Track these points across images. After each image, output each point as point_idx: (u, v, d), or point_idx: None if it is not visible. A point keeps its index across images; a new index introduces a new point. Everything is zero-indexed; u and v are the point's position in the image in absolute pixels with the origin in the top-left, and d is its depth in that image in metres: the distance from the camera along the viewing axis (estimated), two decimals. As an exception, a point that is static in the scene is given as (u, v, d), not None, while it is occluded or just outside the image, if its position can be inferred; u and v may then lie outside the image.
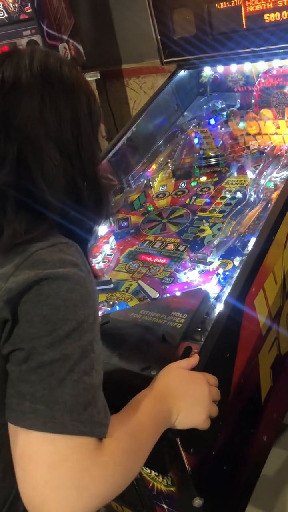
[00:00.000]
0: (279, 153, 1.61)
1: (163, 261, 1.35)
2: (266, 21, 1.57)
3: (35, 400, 0.59)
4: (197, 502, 0.93)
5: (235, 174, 1.63)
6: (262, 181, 1.51)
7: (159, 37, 1.83)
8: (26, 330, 0.61)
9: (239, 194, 1.51)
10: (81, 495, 0.58)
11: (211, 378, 0.87)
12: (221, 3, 1.64)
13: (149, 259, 1.38)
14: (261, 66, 1.75)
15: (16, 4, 2.22)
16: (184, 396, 0.81)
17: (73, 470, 0.58)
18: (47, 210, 0.70)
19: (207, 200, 1.55)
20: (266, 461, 1.35)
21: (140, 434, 0.70)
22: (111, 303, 1.24)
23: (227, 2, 1.63)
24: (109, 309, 1.21)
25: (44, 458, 0.58)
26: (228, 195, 1.53)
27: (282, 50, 1.60)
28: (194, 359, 0.88)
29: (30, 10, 2.19)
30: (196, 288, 1.16)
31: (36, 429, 0.58)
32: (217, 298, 1.10)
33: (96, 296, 0.70)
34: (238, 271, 1.11)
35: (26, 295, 0.61)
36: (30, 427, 0.58)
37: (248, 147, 1.69)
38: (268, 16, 1.55)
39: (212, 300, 1.11)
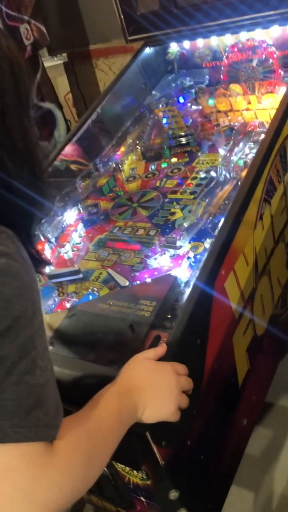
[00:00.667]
0: (250, 129, 1.57)
1: (134, 247, 1.30)
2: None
3: None
4: (173, 494, 0.90)
5: (206, 153, 1.58)
6: (233, 158, 1.47)
7: (122, 14, 1.76)
8: None
9: (210, 174, 1.47)
10: (34, 506, 0.54)
11: (180, 367, 0.83)
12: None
13: (120, 246, 1.33)
14: (228, 40, 1.69)
15: (-29, -16, 2.12)
16: (150, 388, 0.77)
17: (21, 481, 0.54)
18: None
19: (178, 181, 1.51)
20: (250, 441, 1.33)
21: (101, 433, 0.66)
22: (80, 293, 1.20)
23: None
24: (77, 300, 1.17)
25: None
26: (199, 175, 1.49)
27: (249, 22, 1.55)
28: (161, 349, 0.85)
29: (-13, -10, 2.10)
30: (165, 274, 1.12)
31: None
32: (187, 283, 1.07)
33: (35, 286, 0.64)
34: (207, 251, 1.07)
35: None
36: None
37: (218, 124, 1.64)
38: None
39: (182, 285, 1.07)
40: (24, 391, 0.56)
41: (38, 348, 0.59)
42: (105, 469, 0.96)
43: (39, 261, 0.76)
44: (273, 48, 1.61)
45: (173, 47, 1.83)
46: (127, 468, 0.95)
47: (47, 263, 0.80)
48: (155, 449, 0.84)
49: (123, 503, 1.08)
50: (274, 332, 1.33)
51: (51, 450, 0.58)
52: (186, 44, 1.79)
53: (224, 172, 1.43)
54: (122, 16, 1.76)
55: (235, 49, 1.69)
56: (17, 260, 0.60)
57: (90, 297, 1.17)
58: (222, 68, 1.74)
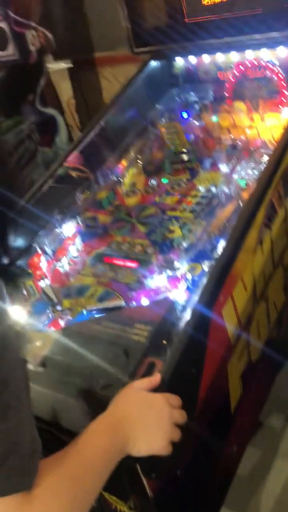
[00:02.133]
0: (252, 147, 1.56)
1: (131, 264, 1.29)
2: (239, 11, 1.51)
3: None
4: (161, 525, 0.88)
5: (208, 170, 1.57)
6: (235, 177, 1.46)
7: (129, 25, 1.75)
8: None
9: (210, 192, 1.45)
10: None
11: (174, 399, 0.82)
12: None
13: (117, 262, 1.32)
14: (234, 57, 1.68)
15: (-21, -12, 2.11)
16: (142, 422, 0.75)
17: None
18: None
19: (178, 197, 1.50)
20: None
21: (86, 474, 0.64)
22: (74, 310, 1.18)
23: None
24: (72, 318, 1.15)
25: None
26: (200, 193, 1.47)
27: (255, 41, 1.54)
28: (155, 379, 0.83)
29: (-5, -5, 2.08)
30: (162, 297, 1.10)
31: None
32: (184, 308, 1.05)
33: (4, 317, 0.60)
34: (206, 277, 1.06)
35: None
36: None
37: (220, 141, 1.63)
38: (241, 7, 1.49)
39: (179, 309, 1.06)
40: None
41: (11, 385, 0.57)
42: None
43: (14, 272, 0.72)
44: (279, 68, 1.60)
45: (179, 62, 1.82)
46: (114, 497, 0.94)
47: (23, 270, 0.74)
48: (144, 481, 0.82)
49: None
50: (268, 356, 1.31)
51: (29, 499, 0.55)
52: (192, 59, 1.78)
53: (225, 190, 1.42)
54: (130, 27, 1.75)
55: (241, 67, 1.68)
56: None
57: (84, 312, 1.16)
58: (227, 84, 1.73)
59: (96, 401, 0.86)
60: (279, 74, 1.61)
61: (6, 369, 0.57)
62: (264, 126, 1.60)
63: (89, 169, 1.64)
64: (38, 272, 1.33)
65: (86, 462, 0.65)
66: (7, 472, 0.54)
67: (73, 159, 1.61)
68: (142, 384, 0.82)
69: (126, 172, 1.67)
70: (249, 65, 1.66)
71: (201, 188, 1.49)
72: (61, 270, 1.35)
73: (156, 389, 0.83)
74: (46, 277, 1.31)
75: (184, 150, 1.62)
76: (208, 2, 1.56)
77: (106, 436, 0.70)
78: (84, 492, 0.63)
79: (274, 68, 1.60)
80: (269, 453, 1.68)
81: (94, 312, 1.14)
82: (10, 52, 2.18)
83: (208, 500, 1.11)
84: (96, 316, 1.11)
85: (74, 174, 1.62)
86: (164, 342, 0.96)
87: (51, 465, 0.60)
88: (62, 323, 1.15)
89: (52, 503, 0.57)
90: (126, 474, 0.81)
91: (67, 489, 0.60)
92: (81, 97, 2.89)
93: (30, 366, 0.96)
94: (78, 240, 1.43)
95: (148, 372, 0.89)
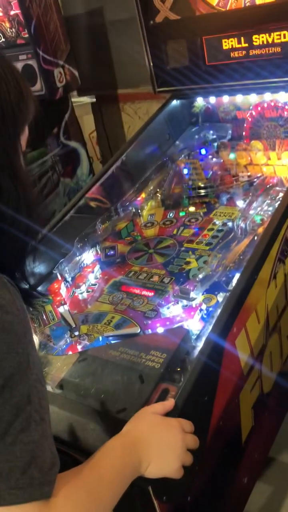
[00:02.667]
0: (269, 184, 1.61)
1: (147, 293, 1.33)
2: (257, 55, 1.58)
3: None
4: None
5: (224, 205, 1.63)
6: (251, 213, 1.51)
7: (152, 67, 1.84)
8: None
9: (227, 226, 1.50)
10: None
11: (187, 424, 0.84)
12: (215, 36, 1.66)
13: (134, 290, 1.36)
14: (253, 98, 1.76)
15: (13, 29, 2.24)
16: (155, 444, 0.78)
17: None
18: None
19: (195, 230, 1.55)
20: (250, 496, 1.31)
21: (101, 488, 0.66)
22: (92, 336, 1.22)
23: (220, 36, 1.64)
24: (89, 343, 1.19)
25: None
26: (216, 227, 1.52)
27: (273, 84, 1.61)
28: (169, 404, 0.86)
29: (27, 35, 2.21)
30: (177, 325, 1.14)
31: None
32: (199, 337, 1.08)
33: (29, 336, 0.63)
34: (220, 308, 1.09)
35: None
36: None
37: (238, 178, 1.69)
38: (259, 51, 1.56)
39: (193, 337, 1.09)
40: (19, 451, 0.56)
41: (34, 402, 0.59)
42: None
43: (33, 296, 0.76)
44: (296, 111, 1.67)
45: (199, 101, 1.90)
46: (126, 520, 0.95)
47: (43, 295, 0.79)
48: (156, 504, 0.84)
49: None
50: (280, 389, 1.33)
51: (47, 508, 0.58)
52: (212, 99, 1.86)
53: (241, 224, 1.47)
54: (152, 68, 1.84)
55: (259, 108, 1.76)
56: (11, 312, 0.60)
57: (100, 338, 1.20)
58: (245, 124, 1.80)
59: (111, 424, 0.89)
60: (296, 116, 1.67)
61: (30, 386, 0.60)
62: (280, 163, 1.66)
63: (109, 200, 1.71)
64: (57, 298, 1.38)
65: (101, 477, 0.68)
66: (28, 481, 0.56)
67: (94, 190, 1.68)
68: (156, 408, 0.84)
69: (145, 205, 1.73)
70: (267, 106, 1.73)
71: (218, 222, 1.54)
72: (79, 296, 1.40)
73: (169, 414, 0.86)
74: (65, 303, 1.36)
75: (202, 185, 1.67)
76: (227, 47, 1.64)
77: (120, 454, 0.73)
78: (99, 505, 0.65)
79: (291, 110, 1.67)
80: (280, 489, 1.66)
81: (110, 338, 1.18)
82: (38, 87, 2.30)
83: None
84: (113, 342, 1.15)
85: (93, 204, 1.68)
86: (178, 369, 0.99)
87: (68, 478, 0.63)
88: (79, 347, 1.19)
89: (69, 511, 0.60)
90: (138, 496, 0.83)
91: (83, 500, 0.63)
92: (102, 130, 2.99)
93: (49, 388, 1.00)
94: (97, 268, 1.48)
95: (162, 398, 0.92)
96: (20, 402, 0.58)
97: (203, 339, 1.03)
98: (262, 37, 1.53)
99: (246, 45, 1.59)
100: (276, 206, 1.39)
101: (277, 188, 1.56)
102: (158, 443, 0.79)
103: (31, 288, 0.76)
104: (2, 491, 0.55)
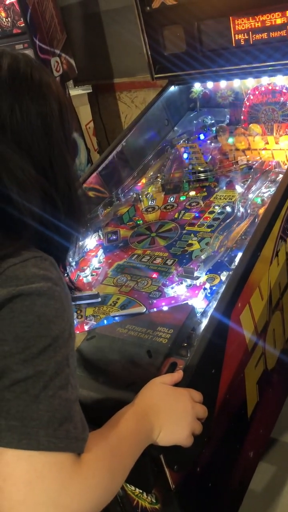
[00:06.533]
0: (267, 168, 1.63)
1: (151, 275, 1.35)
2: (254, 39, 1.59)
3: (10, 418, 0.58)
4: (181, 519, 0.92)
5: (224, 188, 1.64)
6: (250, 196, 1.52)
7: (150, 53, 1.85)
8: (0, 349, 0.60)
9: (227, 209, 1.52)
10: None
11: (196, 394, 0.87)
12: (211, 21, 1.67)
13: (137, 272, 1.37)
14: (250, 82, 1.77)
15: (9, 19, 2.24)
16: (166, 412, 0.80)
17: (50, 488, 0.57)
18: (21, 224, 0.69)
19: (196, 214, 1.56)
20: (254, 476, 1.34)
21: (121, 451, 0.69)
22: (98, 317, 1.24)
23: (217, 20, 1.65)
24: (95, 323, 1.20)
25: (20, 477, 0.57)
26: (217, 210, 1.54)
27: (270, 68, 1.62)
28: (177, 375, 0.88)
29: (23, 24, 2.21)
30: (183, 303, 1.16)
31: (11, 447, 0.57)
32: (204, 313, 1.10)
33: (71, 310, 0.69)
34: (224, 286, 1.11)
35: (0, 313, 0.60)
36: (6, 445, 0.57)
37: (237, 162, 1.70)
38: (256, 35, 1.58)
39: (198, 315, 1.11)
40: (58, 405, 0.60)
41: (71, 367, 0.64)
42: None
43: (71, 288, 0.81)
44: (293, 94, 1.69)
45: (197, 87, 1.91)
46: (137, 491, 0.97)
47: (79, 290, 0.85)
48: (167, 472, 0.86)
49: (129, 527, 1.09)
50: (284, 366, 1.35)
51: (79, 461, 0.61)
52: (210, 84, 1.87)
53: (241, 208, 1.49)
54: (150, 55, 1.85)
55: (257, 92, 1.77)
56: (59, 285, 0.65)
57: (105, 321, 1.21)
58: (243, 109, 1.82)
59: (121, 398, 0.91)
60: (293, 99, 1.69)
61: (69, 353, 0.64)
62: (278, 147, 1.67)
63: (108, 188, 1.72)
64: (62, 281, 1.39)
65: (120, 440, 0.71)
66: (65, 434, 0.60)
67: (92, 180, 1.69)
68: (165, 379, 0.86)
69: (146, 190, 1.75)
70: (264, 90, 1.75)
71: (218, 206, 1.56)
72: (84, 280, 1.41)
73: (177, 385, 0.88)
74: (81, 290, 1.37)
75: (202, 169, 1.69)
76: (224, 31, 1.65)
77: (134, 421, 0.75)
78: (120, 465, 0.69)
79: (288, 93, 1.68)
80: (282, 469, 1.69)
81: (116, 318, 1.20)
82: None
83: (225, 502, 1.14)
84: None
85: (91, 194, 1.70)
86: (185, 344, 1.01)
87: (95, 438, 0.66)
88: (86, 328, 1.20)
89: (98, 468, 0.63)
90: (150, 465, 0.85)
91: (110, 459, 0.66)
92: (99, 121, 3.00)
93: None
94: (100, 252, 1.49)
95: (171, 371, 0.94)
96: (62, 362, 0.62)
97: (209, 314, 1.05)
98: (259, 20, 1.55)
99: (243, 28, 1.60)
100: (275, 188, 1.41)
101: (277, 169, 1.57)
102: (169, 411, 0.81)
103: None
104: (41, 437, 0.58)
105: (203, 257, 1.32)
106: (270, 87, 1.73)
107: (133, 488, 0.99)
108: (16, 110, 0.68)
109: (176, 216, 1.59)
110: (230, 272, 1.20)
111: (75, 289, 0.87)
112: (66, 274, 0.80)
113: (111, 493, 0.66)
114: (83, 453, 0.62)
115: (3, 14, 2.23)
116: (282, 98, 1.73)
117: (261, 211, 1.40)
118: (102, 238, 1.57)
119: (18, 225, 0.68)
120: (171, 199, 1.68)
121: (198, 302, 1.17)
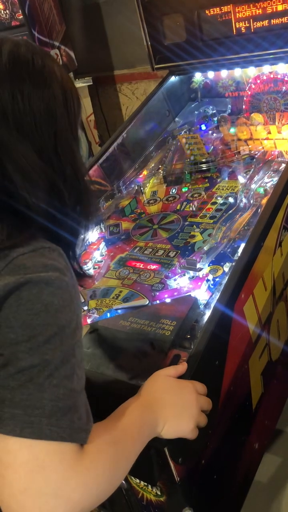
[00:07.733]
0: (269, 158, 1.61)
1: (154, 267, 1.34)
2: (255, 27, 1.57)
3: (13, 406, 0.58)
4: (186, 512, 0.92)
5: (226, 179, 1.63)
6: (253, 186, 1.51)
7: (150, 43, 1.83)
8: (6, 336, 0.59)
9: (229, 200, 1.51)
10: (60, 503, 0.57)
11: (200, 386, 0.86)
12: (211, 10, 1.65)
13: (140, 265, 1.37)
14: (251, 71, 1.75)
15: (7, 11, 2.22)
16: (171, 404, 0.80)
17: (52, 477, 0.56)
18: (29, 214, 0.68)
19: (198, 205, 1.55)
20: (259, 467, 1.34)
21: (124, 443, 0.69)
22: (100, 310, 1.23)
23: (217, 9, 1.63)
24: (98, 316, 1.20)
25: (21, 465, 0.56)
26: (219, 201, 1.53)
27: (272, 56, 1.60)
28: (181, 367, 0.87)
29: (22, 16, 2.19)
30: (186, 294, 1.15)
31: (13, 435, 0.57)
32: (207, 305, 1.09)
33: (79, 301, 0.68)
34: (227, 277, 1.10)
35: (7, 300, 0.60)
36: (8, 433, 0.57)
37: (239, 152, 1.69)
38: (258, 22, 1.55)
39: (201, 306, 1.10)
40: (62, 394, 0.60)
41: (77, 358, 0.63)
42: (123, 481, 0.98)
43: (81, 275, 0.80)
44: (295, 82, 1.67)
45: (197, 77, 1.89)
46: (142, 484, 0.97)
47: (89, 277, 0.84)
48: (172, 465, 0.86)
49: (135, 519, 1.09)
50: (288, 358, 1.34)
51: (81, 452, 0.61)
52: (210, 74, 1.85)
53: (243, 199, 1.47)
54: (150, 45, 1.83)
55: (258, 81, 1.75)
56: (67, 276, 0.65)
57: (108, 314, 1.21)
58: (245, 98, 1.80)
59: (125, 390, 0.90)
60: (295, 88, 1.67)
61: (76, 343, 0.64)
62: (280, 137, 1.65)
63: (109, 180, 1.71)
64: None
65: (125, 432, 0.70)
66: (69, 423, 0.59)
67: (92, 171, 1.68)
68: (168, 371, 0.86)
69: (147, 182, 1.73)
70: (266, 79, 1.73)
71: (220, 196, 1.54)
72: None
73: (181, 378, 0.87)
74: (90, 277, 1.35)
75: (203, 160, 1.67)
76: (224, 20, 1.63)
77: (139, 413, 0.75)
78: (123, 457, 0.68)
79: (290, 82, 1.66)
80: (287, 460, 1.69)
81: (119, 311, 1.19)
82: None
83: (230, 494, 1.13)
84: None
85: (93, 187, 1.68)
86: (188, 336, 1.01)
87: (99, 430, 0.66)
88: (89, 321, 1.20)
89: (100, 460, 0.63)
90: (154, 457, 0.85)
91: (113, 451, 0.66)
92: (100, 113, 2.98)
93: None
94: (102, 245, 1.49)
95: (174, 363, 0.93)
96: (67, 352, 0.62)
97: (212, 306, 1.05)
98: (260, 7, 1.52)
99: (243, 16, 1.58)
100: (278, 178, 1.39)
101: (279, 159, 1.56)
102: (173, 404, 0.80)
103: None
104: (44, 426, 0.57)
105: (205, 248, 1.31)
106: (272, 76, 1.71)
107: (138, 481, 0.98)
108: (18, 96, 0.66)
109: (178, 207, 1.57)
110: (233, 263, 1.19)
111: (86, 276, 0.86)
112: (75, 262, 0.80)
113: (113, 485, 0.66)
114: (86, 444, 0.62)
115: (1, 6, 2.21)
116: (284, 87, 1.71)
117: (264, 201, 1.39)
118: (104, 231, 1.56)
119: (26, 216, 0.68)
120: (173, 190, 1.66)
121: (201, 294, 1.16)
